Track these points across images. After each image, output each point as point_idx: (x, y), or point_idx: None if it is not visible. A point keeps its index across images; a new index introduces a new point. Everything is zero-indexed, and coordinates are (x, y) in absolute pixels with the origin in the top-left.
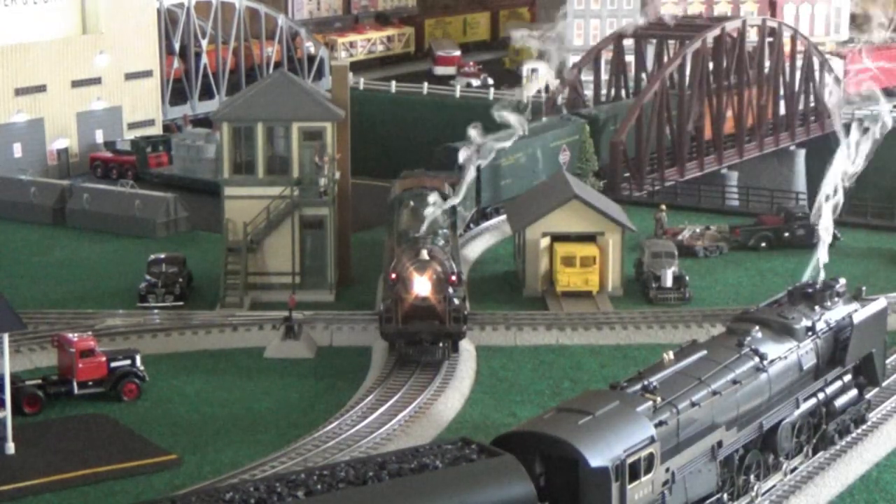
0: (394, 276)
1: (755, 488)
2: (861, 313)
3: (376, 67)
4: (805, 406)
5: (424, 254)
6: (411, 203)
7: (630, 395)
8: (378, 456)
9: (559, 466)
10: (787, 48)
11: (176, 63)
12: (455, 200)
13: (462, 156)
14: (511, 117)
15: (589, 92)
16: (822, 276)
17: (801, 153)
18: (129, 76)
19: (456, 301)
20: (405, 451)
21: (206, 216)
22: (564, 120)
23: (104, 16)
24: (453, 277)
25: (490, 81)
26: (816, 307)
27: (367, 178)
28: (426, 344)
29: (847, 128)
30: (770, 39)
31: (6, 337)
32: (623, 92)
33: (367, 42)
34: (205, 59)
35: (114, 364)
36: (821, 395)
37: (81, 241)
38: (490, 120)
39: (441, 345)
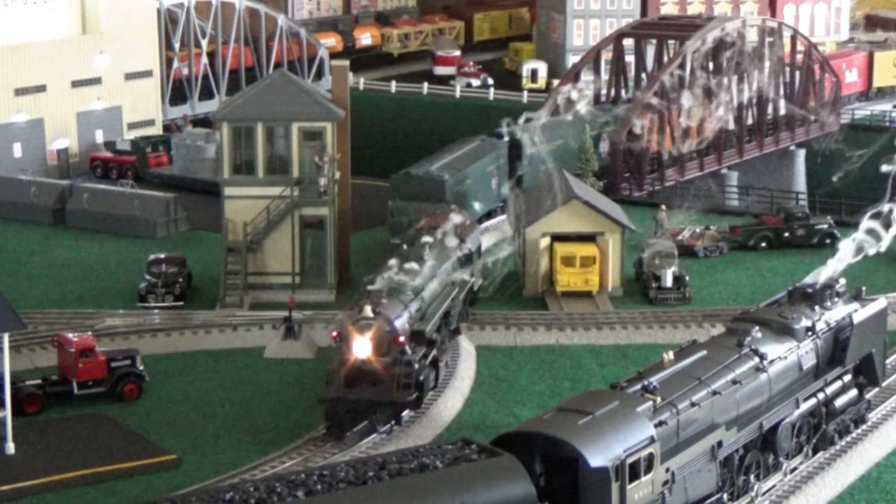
0: (334, 333)
1: (755, 488)
2: (861, 313)
3: (376, 67)
4: (805, 406)
5: (368, 310)
6: (404, 247)
7: (630, 395)
8: (378, 456)
9: (559, 466)
10: (787, 48)
11: (176, 63)
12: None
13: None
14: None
15: (589, 92)
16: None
17: (801, 153)
18: (129, 76)
19: (410, 365)
20: (405, 451)
21: (206, 216)
22: (604, 110)
23: (104, 16)
24: (401, 339)
25: (490, 81)
26: (816, 307)
27: (367, 178)
28: (369, 412)
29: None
30: (770, 39)
31: (6, 337)
32: (623, 92)
33: (421, 34)
34: (205, 60)
35: (114, 364)
36: (821, 395)
37: (81, 241)
38: (488, 120)
39: (384, 413)
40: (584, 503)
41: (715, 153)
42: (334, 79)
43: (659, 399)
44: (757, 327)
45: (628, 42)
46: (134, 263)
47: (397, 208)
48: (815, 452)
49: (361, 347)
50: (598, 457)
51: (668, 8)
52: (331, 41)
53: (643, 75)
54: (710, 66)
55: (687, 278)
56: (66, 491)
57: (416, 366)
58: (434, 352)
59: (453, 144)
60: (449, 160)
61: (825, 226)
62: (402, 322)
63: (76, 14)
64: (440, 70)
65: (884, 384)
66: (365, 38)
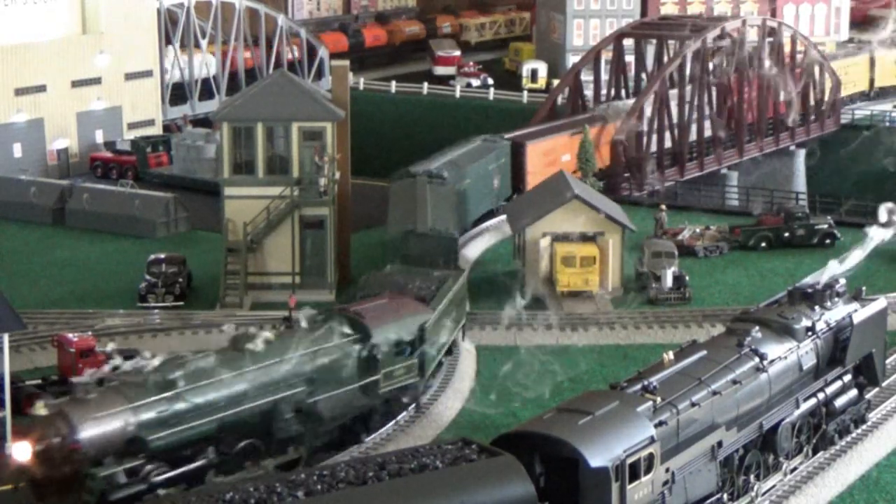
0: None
1: (755, 488)
2: (861, 313)
3: (376, 67)
4: (805, 406)
5: (40, 406)
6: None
7: (630, 395)
8: (378, 456)
9: (559, 466)
10: (787, 48)
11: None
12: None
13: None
14: None
15: (589, 92)
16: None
17: (801, 153)
18: (129, 76)
19: (95, 480)
20: (405, 451)
21: (206, 216)
22: (490, 143)
23: (104, 16)
24: (76, 445)
25: (490, 81)
26: (816, 307)
27: (367, 178)
28: None
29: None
30: (770, 39)
31: (6, 337)
32: (623, 92)
33: (494, 24)
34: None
35: None
36: (821, 395)
37: (81, 241)
38: (488, 120)
39: None
40: (584, 503)
41: (715, 153)
42: (334, 79)
43: (659, 399)
44: (757, 327)
45: (628, 42)
46: (134, 263)
47: (375, 280)
48: (815, 452)
49: (20, 451)
50: (598, 457)
51: (668, 8)
52: (415, 29)
53: (643, 75)
54: (710, 66)
55: (687, 278)
56: None
57: (120, 481)
58: (195, 465)
59: (396, 187)
60: (430, 207)
61: (825, 226)
62: (104, 426)
63: (76, 14)
64: (440, 70)
65: (884, 384)
66: (445, 27)
